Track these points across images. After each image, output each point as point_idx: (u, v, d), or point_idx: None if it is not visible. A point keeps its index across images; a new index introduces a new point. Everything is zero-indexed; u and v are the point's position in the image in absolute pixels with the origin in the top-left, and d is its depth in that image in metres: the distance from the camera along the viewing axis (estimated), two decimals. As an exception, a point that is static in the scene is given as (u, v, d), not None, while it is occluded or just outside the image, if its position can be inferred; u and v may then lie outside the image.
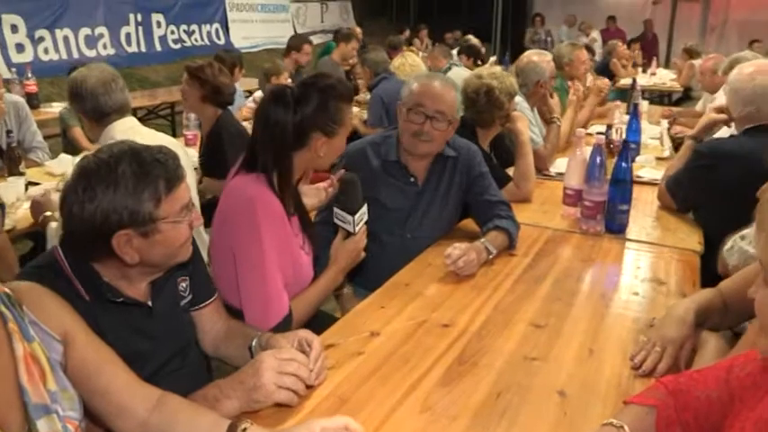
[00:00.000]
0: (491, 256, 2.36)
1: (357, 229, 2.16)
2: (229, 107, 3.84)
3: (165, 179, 1.51)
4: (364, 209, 2.18)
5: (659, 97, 9.68)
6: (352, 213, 2.14)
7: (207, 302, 1.87)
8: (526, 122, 3.15)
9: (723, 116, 2.98)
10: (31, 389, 1.22)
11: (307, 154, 2.05)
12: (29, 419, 1.20)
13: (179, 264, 1.69)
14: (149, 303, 1.66)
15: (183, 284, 1.78)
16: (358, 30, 10.45)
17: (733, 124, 2.91)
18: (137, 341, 1.60)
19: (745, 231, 2.12)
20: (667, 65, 12.09)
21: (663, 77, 9.49)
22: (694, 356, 1.67)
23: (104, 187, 1.45)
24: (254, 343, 1.71)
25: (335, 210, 2.18)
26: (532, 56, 3.85)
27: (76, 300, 1.48)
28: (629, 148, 2.69)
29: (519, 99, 3.60)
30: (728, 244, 2.19)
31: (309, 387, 1.54)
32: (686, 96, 10.23)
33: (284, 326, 1.96)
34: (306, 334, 1.67)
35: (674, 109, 5.56)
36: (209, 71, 3.62)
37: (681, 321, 1.73)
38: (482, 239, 2.38)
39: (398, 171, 2.58)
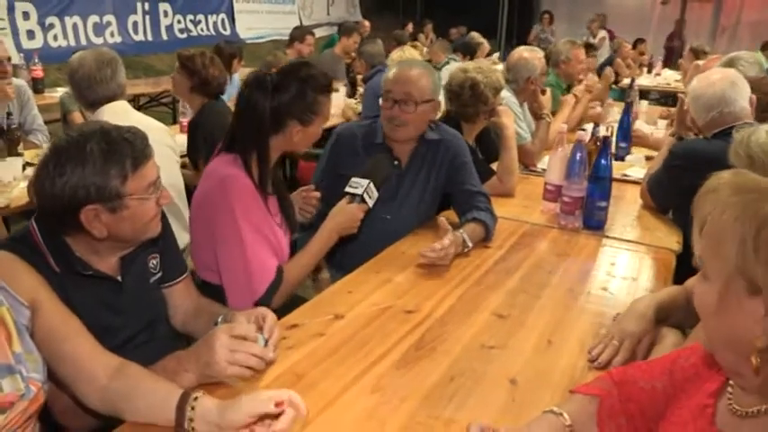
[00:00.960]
0: (467, 250, 2.40)
1: (366, 196, 2.22)
2: (223, 97, 3.88)
3: (132, 157, 1.57)
4: (376, 193, 2.25)
5: (665, 98, 9.65)
6: (369, 180, 2.22)
7: (177, 280, 1.94)
8: (512, 117, 3.18)
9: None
10: None
11: (282, 139, 2.12)
12: None
13: (150, 241, 1.76)
14: (119, 278, 1.72)
15: (154, 261, 1.85)
16: (366, 23, 10.47)
17: None
18: (105, 314, 1.67)
19: None
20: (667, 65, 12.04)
21: (668, 78, 9.47)
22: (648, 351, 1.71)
23: (73, 164, 1.52)
24: (219, 320, 1.76)
25: (353, 179, 2.25)
26: (523, 52, 3.88)
27: (48, 272, 1.55)
28: (609, 146, 2.72)
29: (507, 94, 3.64)
30: None
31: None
32: (692, 97, 10.17)
33: (272, 291, 2.03)
34: (261, 310, 1.72)
35: (673, 110, 5.54)
36: (200, 61, 3.66)
37: (641, 316, 1.76)
38: (461, 230, 2.41)
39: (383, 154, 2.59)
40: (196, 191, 2.13)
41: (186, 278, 1.98)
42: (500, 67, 5.80)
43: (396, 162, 2.63)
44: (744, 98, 2.68)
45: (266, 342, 1.62)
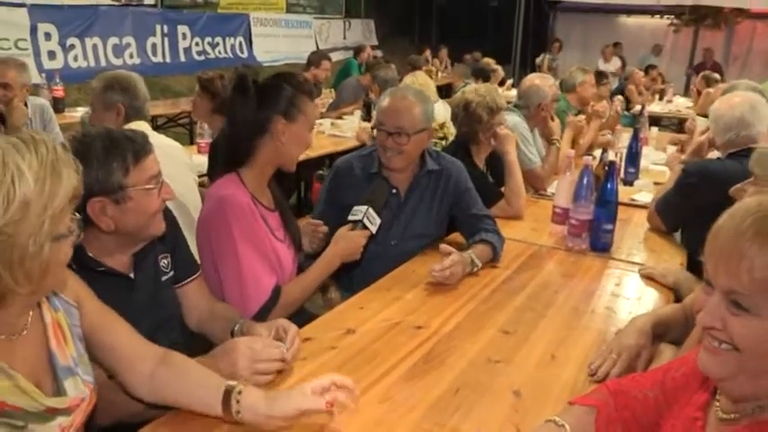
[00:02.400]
0: (476, 269, 2.46)
1: (367, 221, 2.27)
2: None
3: (133, 151, 1.70)
4: (378, 218, 2.31)
5: (678, 125, 9.69)
6: (370, 206, 2.28)
7: (189, 279, 2.03)
8: (513, 142, 3.25)
9: (707, 135, 3.11)
10: (59, 353, 1.37)
11: (270, 142, 2.16)
12: (57, 380, 1.36)
13: (159, 241, 1.88)
14: (131, 275, 1.82)
15: (165, 261, 1.95)
16: (369, 47, 10.67)
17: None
18: (120, 311, 1.71)
19: None
20: (687, 92, 12.10)
21: (679, 105, 9.53)
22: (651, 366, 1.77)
23: (78, 161, 1.63)
24: (236, 328, 1.85)
25: (354, 207, 2.31)
26: (535, 79, 3.96)
27: None
28: (615, 171, 2.79)
29: (518, 119, 3.73)
30: None
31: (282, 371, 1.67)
32: (703, 124, 10.20)
33: (265, 311, 2.10)
34: (283, 322, 1.80)
35: (682, 137, 5.61)
36: (220, 84, 3.76)
37: (639, 332, 1.83)
38: (469, 251, 2.48)
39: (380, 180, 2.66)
40: (200, 214, 2.21)
41: (199, 278, 2.07)
42: (513, 92, 5.89)
43: (393, 190, 2.69)
44: (762, 123, 2.78)
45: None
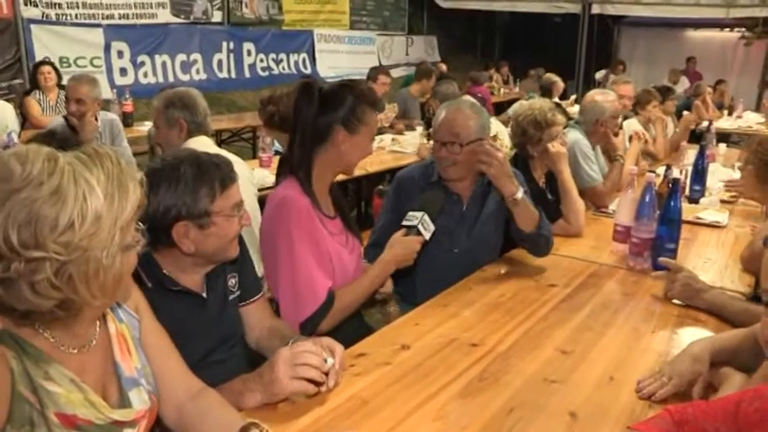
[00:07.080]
0: (518, 198, 2.47)
1: (421, 227, 2.26)
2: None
3: (220, 179, 1.75)
4: (432, 225, 2.30)
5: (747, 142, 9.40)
6: (425, 212, 2.28)
7: (253, 299, 2.07)
8: (565, 160, 3.17)
9: None
10: (124, 364, 1.41)
11: (331, 149, 2.19)
12: (122, 391, 1.38)
13: (230, 261, 1.91)
14: (204, 294, 1.87)
15: (233, 281, 1.99)
16: (443, 66, 10.65)
17: None
18: (189, 328, 1.78)
19: None
20: (758, 108, 11.72)
21: (749, 121, 9.24)
22: (712, 394, 1.71)
23: (167, 185, 1.70)
24: (290, 342, 1.85)
25: (409, 213, 2.31)
26: (595, 95, 3.90)
27: (140, 286, 1.67)
28: (679, 188, 2.72)
29: (579, 136, 3.69)
30: None
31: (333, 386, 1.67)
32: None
33: (320, 315, 2.11)
34: (329, 342, 1.76)
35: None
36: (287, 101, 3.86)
37: (694, 358, 1.77)
38: None
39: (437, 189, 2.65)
40: (261, 218, 2.26)
41: (261, 298, 2.10)
42: (576, 108, 5.85)
43: (455, 197, 2.70)
44: None
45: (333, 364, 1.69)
